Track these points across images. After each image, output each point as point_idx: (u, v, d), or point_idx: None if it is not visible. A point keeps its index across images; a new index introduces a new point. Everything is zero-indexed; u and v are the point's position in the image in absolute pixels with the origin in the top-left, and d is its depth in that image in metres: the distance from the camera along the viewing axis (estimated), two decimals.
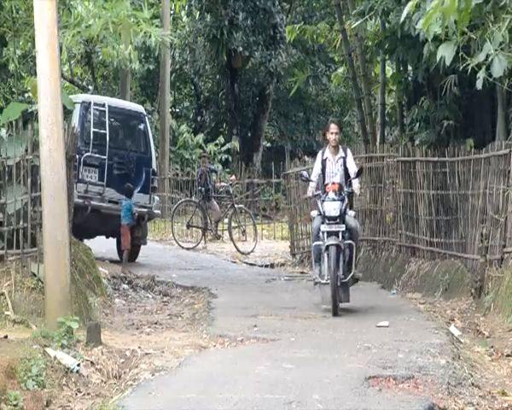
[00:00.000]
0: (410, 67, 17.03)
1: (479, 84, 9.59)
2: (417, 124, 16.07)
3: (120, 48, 13.57)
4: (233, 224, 21.71)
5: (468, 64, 9.42)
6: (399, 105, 18.20)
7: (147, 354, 8.84)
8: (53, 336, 8.35)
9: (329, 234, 10.88)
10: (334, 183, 11.26)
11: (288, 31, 20.51)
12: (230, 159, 30.93)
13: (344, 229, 10.92)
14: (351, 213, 11.33)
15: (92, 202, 16.07)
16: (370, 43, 17.86)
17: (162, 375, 7.88)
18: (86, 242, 14.88)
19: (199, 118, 34.11)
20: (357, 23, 16.19)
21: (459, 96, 15.32)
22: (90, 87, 32.49)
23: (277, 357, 8.47)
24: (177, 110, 35.58)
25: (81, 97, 17.27)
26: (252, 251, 20.61)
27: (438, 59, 9.54)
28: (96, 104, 16.57)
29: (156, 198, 17.49)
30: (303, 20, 29.83)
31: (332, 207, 10.97)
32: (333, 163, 11.60)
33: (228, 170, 29.58)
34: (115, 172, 16.55)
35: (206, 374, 7.82)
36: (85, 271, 11.98)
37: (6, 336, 8.41)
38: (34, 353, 7.75)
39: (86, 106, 16.37)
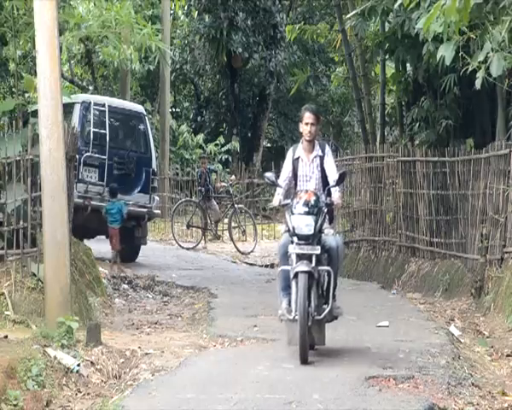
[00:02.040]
0: (410, 67, 17.03)
1: (478, 84, 9.61)
2: (417, 124, 16.08)
3: (121, 48, 13.57)
4: (233, 224, 21.70)
5: (468, 64, 9.44)
6: (399, 105, 18.21)
7: (147, 354, 8.84)
8: (53, 336, 8.34)
9: (299, 257, 8.16)
10: (307, 191, 8.52)
11: (288, 30, 20.52)
12: (230, 159, 30.93)
13: (319, 252, 8.18)
14: (328, 231, 8.52)
15: (92, 202, 16.06)
16: (370, 44, 17.85)
17: (162, 375, 7.88)
18: (86, 242, 14.87)
19: (199, 118, 34.09)
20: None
21: (459, 96, 15.33)
22: (90, 87, 32.47)
23: (277, 357, 8.46)
24: (177, 110, 35.56)
25: (81, 97, 17.26)
26: (252, 251, 20.61)
27: (438, 59, 9.55)
28: (96, 104, 16.56)
29: (156, 198, 17.48)
30: (303, 20, 29.84)
31: (304, 223, 8.20)
32: (307, 164, 8.82)
33: (228, 170, 29.57)
34: (115, 172, 16.54)
35: (206, 374, 7.81)
36: (85, 271, 11.97)
37: (6, 336, 8.41)
38: (34, 353, 7.75)
39: (86, 106, 16.37)
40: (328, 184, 8.69)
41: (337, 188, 8.67)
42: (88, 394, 7.63)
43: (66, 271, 9.23)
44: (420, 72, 15.37)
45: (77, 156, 12.83)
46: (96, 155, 16.22)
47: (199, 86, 34.91)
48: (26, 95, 16.52)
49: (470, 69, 9.67)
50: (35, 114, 9.64)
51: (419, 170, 15.06)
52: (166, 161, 27.68)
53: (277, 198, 8.72)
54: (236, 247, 20.64)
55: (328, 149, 8.88)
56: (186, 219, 22.54)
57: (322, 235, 8.35)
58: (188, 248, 20.62)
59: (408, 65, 17.00)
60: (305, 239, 8.16)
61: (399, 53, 15.54)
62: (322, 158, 8.81)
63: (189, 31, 32.28)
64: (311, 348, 8.22)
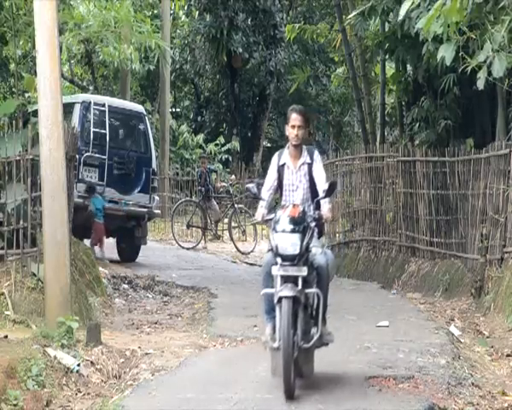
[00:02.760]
0: (410, 67, 17.03)
1: (480, 85, 9.58)
2: (417, 124, 16.08)
3: (121, 47, 13.58)
4: (233, 224, 21.70)
5: (469, 64, 9.43)
6: (399, 105, 18.21)
7: (147, 354, 8.85)
8: (53, 336, 8.35)
9: (284, 280, 7.19)
10: (293, 205, 7.54)
11: (288, 30, 20.53)
12: (230, 159, 30.93)
13: (305, 273, 7.20)
14: (316, 249, 7.47)
15: None
16: (370, 43, 17.86)
17: (162, 375, 7.88)
18: (86, 242, 14.88)
19: (199, 118, 34.11)
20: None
21: (459, 95, 15.33)
22: (90, 87, 32.47)
23: None
24: (177, 110, 35.57)
25: (81, 97, 17.27)
26: (252, 251, 20.60)
27: (438, 59, 9.55)
28: (96, 104, 16.56)
29: (156, 198, 17.48)
30: (303, 20, 29.85)
31: (288, 242, 7.21)
32: (293, 172, 7.88)
33: (228, 170, 29.57)
34: (115, 172, 16.54)
35: (206, 374, 7.82)
36: (85, 271, 11.97)
37: (6, 336, 8.41)
38: (34, 353, 7.75)
39: (86, 106, 16.37)
40: (317, 194, 7.73)
41: (326, 200, 7.70)
42: (88, 394, 7.63)
43: (66, 271, 9.24)
44: (420, 72, 15.37)
45: (77, 156, 12.83)
46: (96, 155, 16.22)
47: (199, 86, 34.93)
48: (26, 95, 16.52)
49: (469, 68, 9.66)
50: (36, 113, 9.64)
51: (419, 170, 15.06)
52: (166, 161, 27.68)
53: (260, 212, 7.72)
54: (236, 247, 20.64)
55: (316, 155, 7.95)
56: (186, 219, 22.54)
57: (313, 252, 7.39)
58: (188, 248, 20.62)
59: (408, 65, 17.01)
60: (290, 260, 7.18)
61: (399, 53, 15.54)
62: (310, 165, 7.89)
63: (190, 31, 32.29)
64: (299, 376, 7.30)
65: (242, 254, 20.33)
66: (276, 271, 7.20)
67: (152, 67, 30.25)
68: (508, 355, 9.64)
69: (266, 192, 7.86)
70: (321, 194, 7.65)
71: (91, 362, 8.14)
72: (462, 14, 8.67)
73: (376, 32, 17.89)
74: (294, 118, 7.89)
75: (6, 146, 10.05)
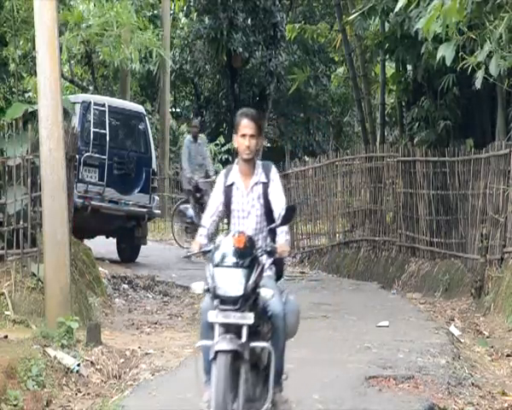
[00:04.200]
0: (409, 67, 17.04)
1: (478, 84, 9.61)
2: (417, 124, 16.09)
3: (121, 48, 13.59)
4: None
5: (467, 63, 9.44)
6: (399, 105, 18.22)
7: (147, 354, 8.85)
8: (53, 336, 8.35)
9: (225, 329, 5.52)
10: (239, 232, 5.87)
11: (288, 30, 20.55)
12: (230, 159, 30.92)
13: (251, 322, 5.48)
14: (266, 291, 5.63)
15: (92, 202, 16.06)
16: (370, 43, 17.87)
17: (162, 375, 7.89)
18: (86, 242, 14.88)
19: (199, 118, 34.11)
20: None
21: (459, 95, 15.34)
22: (90, 87, 32.46)
23: None
24: (177, 110, 35.56)
25: (81, 97, 17.26)
26: None
27: (438, 59, 9.55)
28: (96, 104, 16.55)
29: (156, 198, 17.48)
30: (303, 20, 29.85)
31: (230, 280, 5.54)
32: (244, 194, 6.17)
33: None
34: (115, 172, 16.53)
35: None
36: (85, 271, 11.97)
37: (6, 336, 8.41)
38: (34, 353, 7.75)
39: (86, 106, 16.35)
40: (273, 222, 5.98)
41: (284, 229, 5.97)
42: (88, 394, 7.63)
43: (66, 271, 9.24)
44: (419, 71, 15.38)
45: (77, 156, 12.83)
46: (96, 155, 16.21)
47: (199, 86, 34.92)
48: (27, 95, 16.53)
49: (469, 68, 9.67)
50: None
51: (419, 170, 15.06)
52: (166, 161, 27.69)
53: (198, 242, 6.19)
54: None
55: (274, 172, 6.15)
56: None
57: (262, 293, 5.62)
58: (188, 248, 20.60)
59: (408, 65, 17.02)
60: (232, 303, 5.49)
61: (399, 53, 15.56)
62: (265, 185, 6.11)
63: (189, 31, 32.30)
64: None
65: None
66: (214, 317, 5.51)
67: (152, 68, 30.26)
68: (508, 355, 9.64)
69: (209, 218, 6.30)
70: (277, 221, 5.91)
71: (91, 362, 8.15)
72: (461, 13, 8.67)
73: (376, 32, 17.92)
74: (245, 125, 6.10)
75: (6, 147, 10.05)
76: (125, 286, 14.39)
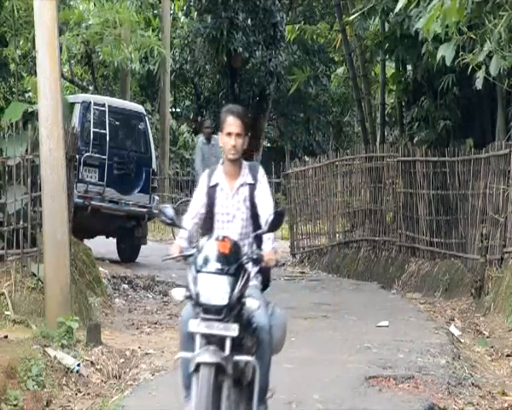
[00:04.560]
0: (409, 67, 17.05)
1: (478, 84, 9.61)
2: (417, 123, 16.09)
3: (121, 48, 13.60)
4: None
5: (467, 62, 9.44)
6: (399, 105, 18.22)
7: (147, 354, 8.85)
8: (53, 336, 8.35)
9: (207, 340, 5.13)
10: (224, 237, 5.41)
11: (288, 30, 20.56)
12: None
13: (235, 333, 5.11)
14: (252, 302, 5.21)
15: (92, 202, 16.06)
16: (370, 43, 17.87)
17: (162, 375, 7.88)
18: (86, 242, 14.87)
19: (199, 118, 34.11)
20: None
21: (459, 95, 15.34)
22: (90, 87, 32.48)
23: (277, 357, 8.46)
24: (177, 110, 35.57)
25: (81, 97, 17.26)
26: None
27: (438, 59, 9.56)
28: (96, 104, 16.55)
29: (156, 198, 17.48)
30: (303, 20, 29.86)
31: (213, 288, 5.14)
32: (229, 196, 5.76)
33: None
34: (115, 172, 16.53)
35: None
36: (85, 271, 11.97)
37: (6, 336, 8.41)
38: (34, 353, 7.75)
39: (86, 106, 16.35)
40: (260, 227, 5.57)
41: (271, 236, 5.55)
42: (88, 394, 7.63)
43: (66, 271, 9.24)
44: (419, 71, 15.38)
45: (77, 156, 12.83)
46: (96, 155, 16.21)
47: (199, 86, 34.94)
48: (27, 95, 16.54)
49: (469, 68, 9.67)
50: None
51: (419, 170, 15.06)
52: (166, 161, 27.70)
53: (178, 244, 5.70)
54: None
55: (262, 173, 5.79)
56: None
57: (248, 302, 5.21)
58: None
59: (408, 65, 17.02)
60: (216, 312, 5.09)
61: (399, 53, 15.56)
62: (252, 187, 5.73)
63: (189, 31, 32.31)
64: None
65: None
66: (196, 326, 5.12)
67: (152, 68, 30.27)
68: (508, 355, 9.64)
69: (190, 220, 5.85)
70: (263, 227, 5.48)
71: (91, 362, 8.15)
72: (461, 13, 8.67)
73: (376, 32, 17.92)
74: (231, 122, 5.67)
75: (6, 146, 10.04)
76: (125, 286, 14.38)
